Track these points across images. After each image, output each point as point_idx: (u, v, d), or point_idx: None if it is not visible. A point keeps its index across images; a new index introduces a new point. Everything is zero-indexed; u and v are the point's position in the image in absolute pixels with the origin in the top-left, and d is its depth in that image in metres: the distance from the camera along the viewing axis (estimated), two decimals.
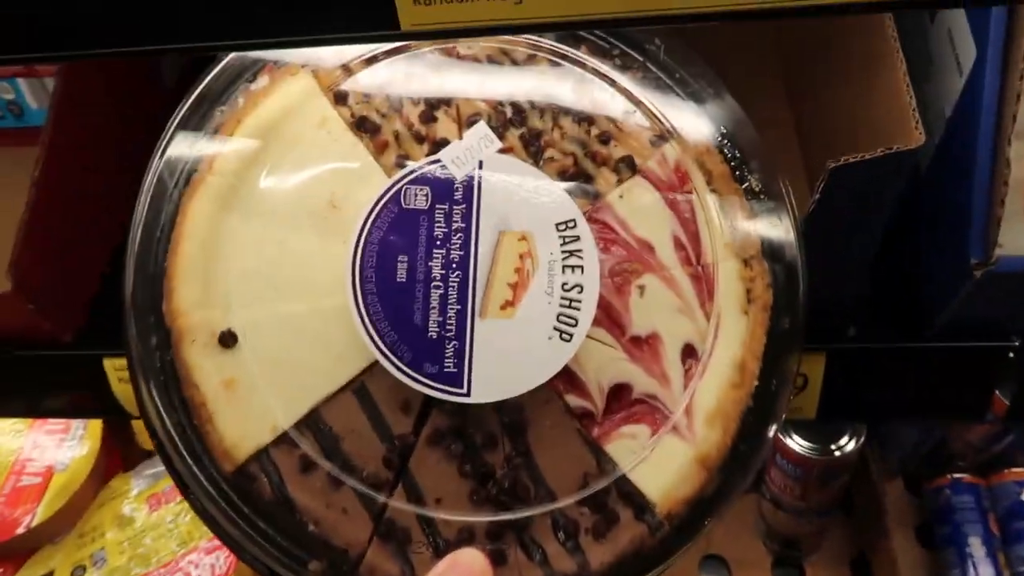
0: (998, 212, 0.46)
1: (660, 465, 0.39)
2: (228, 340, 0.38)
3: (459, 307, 0.37)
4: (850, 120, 0.52)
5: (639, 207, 0.41)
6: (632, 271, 0.39)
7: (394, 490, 0.38)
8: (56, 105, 0.56)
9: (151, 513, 0.82)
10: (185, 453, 0.37)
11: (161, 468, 0.84)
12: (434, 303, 0.37)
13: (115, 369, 0.62)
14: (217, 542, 0.79)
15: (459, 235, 0.38)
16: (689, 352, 0.40)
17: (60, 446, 0.84)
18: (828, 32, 0.56)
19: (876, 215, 0.46)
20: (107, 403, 0.63)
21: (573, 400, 0.39)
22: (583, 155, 0.41)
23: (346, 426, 0.38)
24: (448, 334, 0.37)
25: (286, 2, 0.31)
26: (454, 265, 0.37)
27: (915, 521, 0.95)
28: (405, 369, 0.36)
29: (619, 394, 0.39)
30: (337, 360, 0.38)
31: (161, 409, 0.37)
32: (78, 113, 0.57)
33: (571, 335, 0.37)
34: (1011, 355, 0.52)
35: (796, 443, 0.83)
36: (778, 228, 0.42)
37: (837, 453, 0.81)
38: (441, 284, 0.37)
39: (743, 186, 0.42)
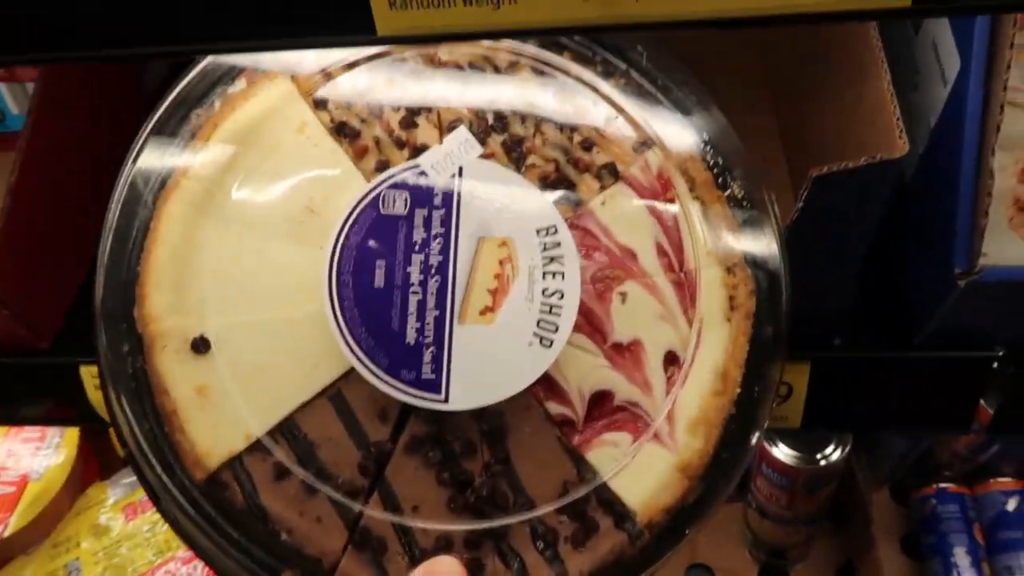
0: (982, 222, 0.46)
1: (641, 473, 0.38)
2: (201, 346, 0.37)
3: (438, 313, 0.36)
4: (835, 129, 0.52)
5: (621, 214, 0.40)
6: (614, 278, 0.39)
7: (370, 498, 0.37)
8: (35, 110, 0.55)
9: (127, 522, 0.81)
10: (156, 462, 0.36)
11: None
12: (412, 309, 0.36)
13: (92, 376, 0.61)
14: None
15: (438, 240, 0.37)
16: (671, 359, 0.39)
17: (35, 454, 0.83)
18: (813, 42, 0.56)
19: (860, 224, 0.46)
20: (84, 411, 0.62)
21: (553, 407, 0.38)
22: (565, 161, 0.41)
23: (322, 434, 0.37)
24: (426, 340, 0.36)
25: (263, 6, 0.31)
26: (433, 270, 0.37)
27: (901, 531, 0.95)
28: (382, 376, 0.36)
29: (600, 401, 0.39)
30: (313, 367, 0.37)
31: (131, 417, 0.36)
32: (57, 118, 0.57)
33: (552, 341, 0.37)
34: (995, 365, 0.51)
35: (781, 452, 0.82)
36: (761, 236, 0.41)
37: (823, 462, 0.81)
38: (419, 290, 0.37)
39: (726, 193, 0.42)
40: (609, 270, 0.39)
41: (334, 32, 0.31)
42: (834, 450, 0.81)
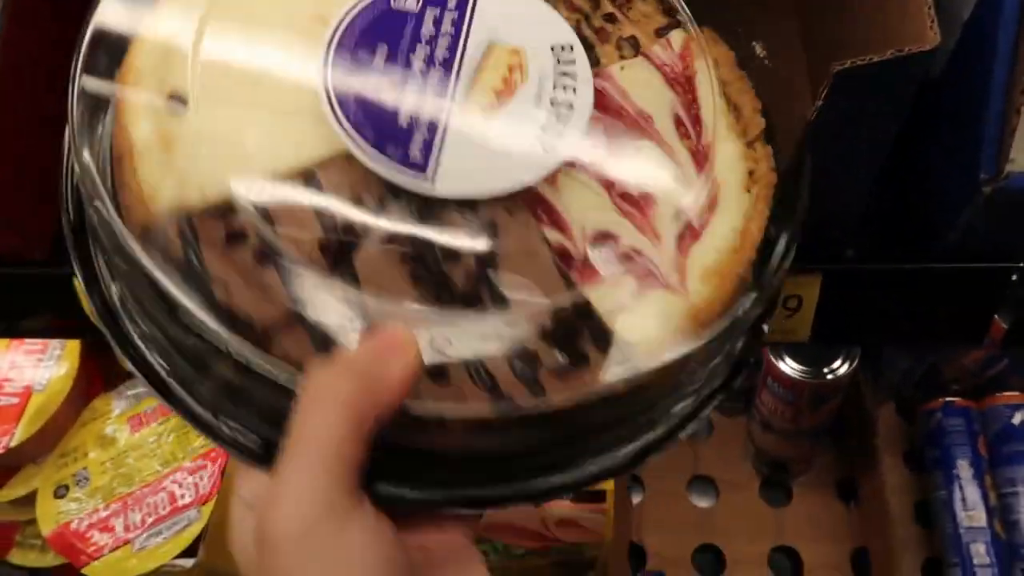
0: (1013, 123, 0.43)
1: (642, 314, 0.34)
2: (178, 100, 0.33)
3: (437, 102, 0.34)
4: (861, 23, 0.48)
5: (640, 80, 0.38)
6: (628, 132, 0.37)
7: (328, 276, 0.32)
8: (11, 3, 0.52)
9: (133, 433, 0.81)
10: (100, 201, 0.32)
11: (143, 389, 0.82)
12: (409, 93, 0.34)
13: None
14: (201, 462, 0.78)
15: (447, 38, 0.36)
16: (684, 219, 0.36)
17: (37, 366, 0.82)
18: None
19: (883, 125, 0.43)
20: (81, 323, 0.62)
21: (552, 234, 0.34)
22: (585, 26, 0.39)
23: (286, 210, 0.32)
24: (419, 124, 0.34)
25: None
26: (437, 63, 0.35)
27: (904, 446, 0.95)
28: (366, 149, 0.32)
29: (603, 243, 0.35)
30: (294, 145, 0.34)
31: (83, 153, 0.32)
32: (40, 14, 0.53)
33: (554, 147, 0.34)
34: (1014, 277, 0.50)
35: (788, 366, 0.82)
36: (782, 113, 0.39)
37: (829, 376, 0.81)
38: (420, 78, 0.35)
39: (747, 71, 0.40)
40: (623, 124, 0.37)
41: None
42: (841, 364, 0.81)
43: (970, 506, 0.85)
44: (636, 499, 0.98)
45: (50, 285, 0.58)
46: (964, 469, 0.87)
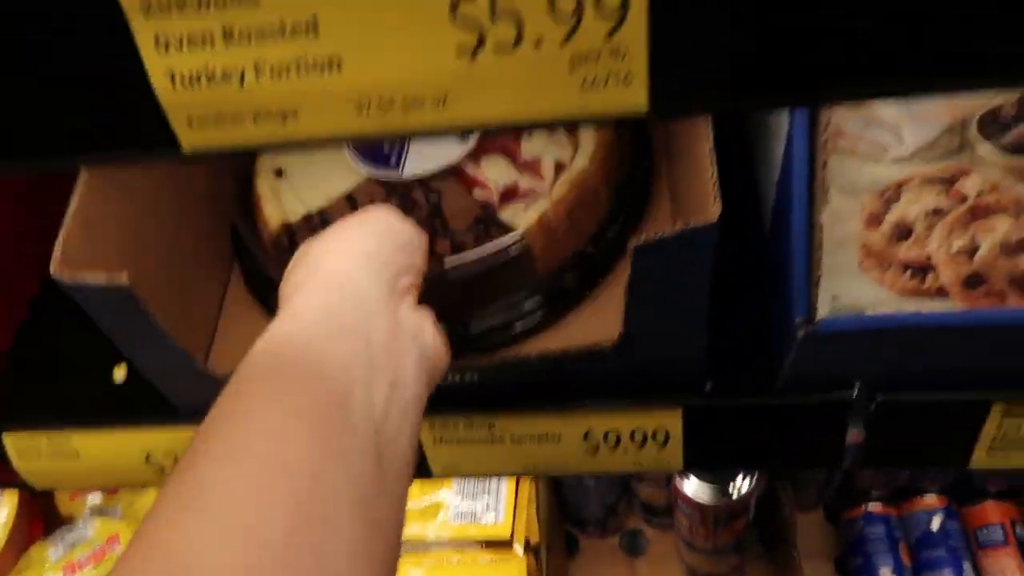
0: (816, 274, 0.48)
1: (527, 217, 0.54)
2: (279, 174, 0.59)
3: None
4: (682, 187, 0.54)
5: None
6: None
7: None
8: None
9: None
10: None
11: (79, 533, 0.85)
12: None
13: (14, 444, 0.63)
14: None
15: None
16: (560, 166, 0.55)
17: None
18: None
19: (691, 288, 0.47)
20: (12, 476, 0.64)
21: (478, 192, 0.55)
22: None
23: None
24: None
25: (89, 129, 0.34)
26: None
27: (833, 553, 0.97)
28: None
29: (510, 190, 0.55)
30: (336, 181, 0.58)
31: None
32: None
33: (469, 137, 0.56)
34: (851, 404, 0.53)
35: (691, 488, 0.83)
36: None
37: (735, 495, 0.82)
38: None
39: None
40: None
41: (144, 148, 0.35)
42: (743, 481, 0.83)
43: None
44: None
45: None
46: None
